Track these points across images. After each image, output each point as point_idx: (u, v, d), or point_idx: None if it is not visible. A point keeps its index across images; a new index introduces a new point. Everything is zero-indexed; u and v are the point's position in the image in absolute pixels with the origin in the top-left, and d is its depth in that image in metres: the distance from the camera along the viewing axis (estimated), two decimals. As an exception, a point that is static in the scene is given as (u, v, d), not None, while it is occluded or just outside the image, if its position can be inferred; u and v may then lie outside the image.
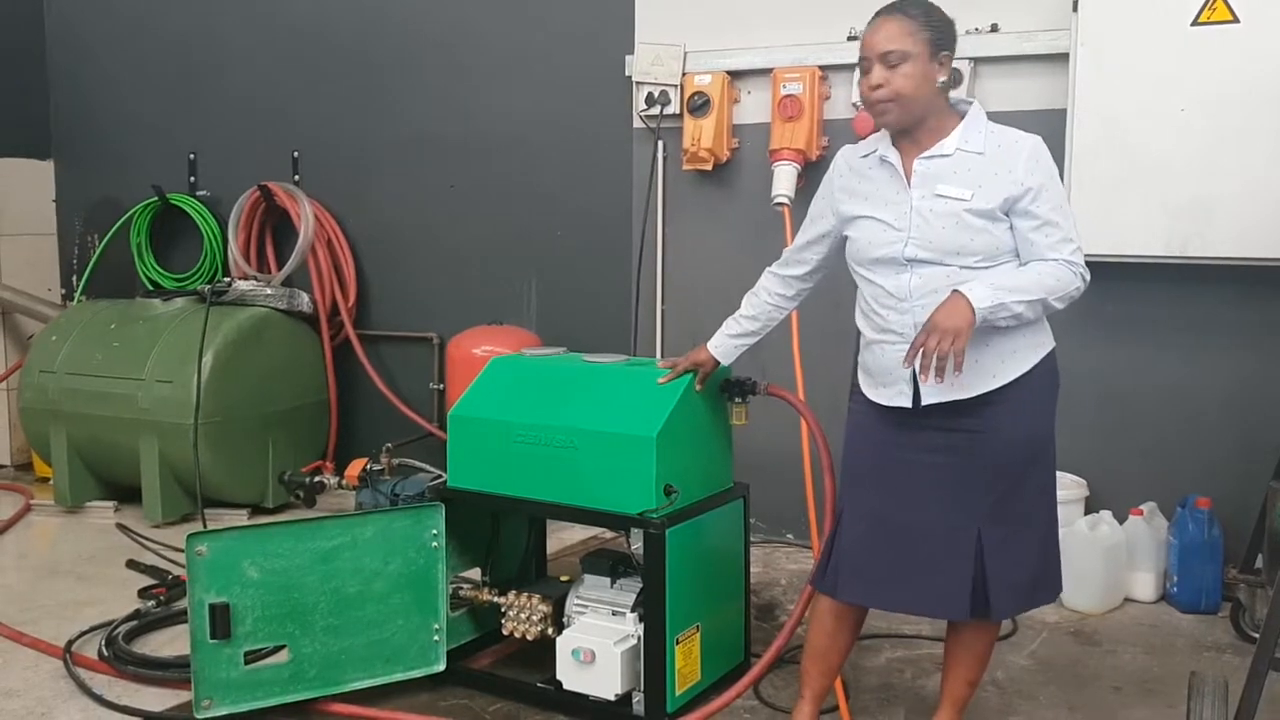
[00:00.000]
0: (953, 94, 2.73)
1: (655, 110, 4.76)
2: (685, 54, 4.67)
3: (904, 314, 2.64)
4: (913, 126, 2.64)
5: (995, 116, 4.19)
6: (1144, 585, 4.03)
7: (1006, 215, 2.59)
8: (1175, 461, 4.14)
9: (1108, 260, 4.06)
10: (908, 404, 2.66)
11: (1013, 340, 2.62)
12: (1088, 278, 2.63)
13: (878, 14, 2.65)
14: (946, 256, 2.59)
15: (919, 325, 2.58)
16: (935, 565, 2.69)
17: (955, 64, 4.26)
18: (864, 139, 2.82)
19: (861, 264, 2.72)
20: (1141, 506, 4.07)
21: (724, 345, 3.09)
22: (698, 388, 3.15)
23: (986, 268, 2.59)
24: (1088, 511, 4.12)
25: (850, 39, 4.41)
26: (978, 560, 2.66)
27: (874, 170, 2.72)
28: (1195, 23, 3.80)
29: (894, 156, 2.68)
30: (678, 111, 4.72)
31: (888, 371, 2.69)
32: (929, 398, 2.63)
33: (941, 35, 2.63)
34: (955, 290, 2.53)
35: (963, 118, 2.67)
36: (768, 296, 3.02)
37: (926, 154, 2.64)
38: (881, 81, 2.58)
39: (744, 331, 3.07)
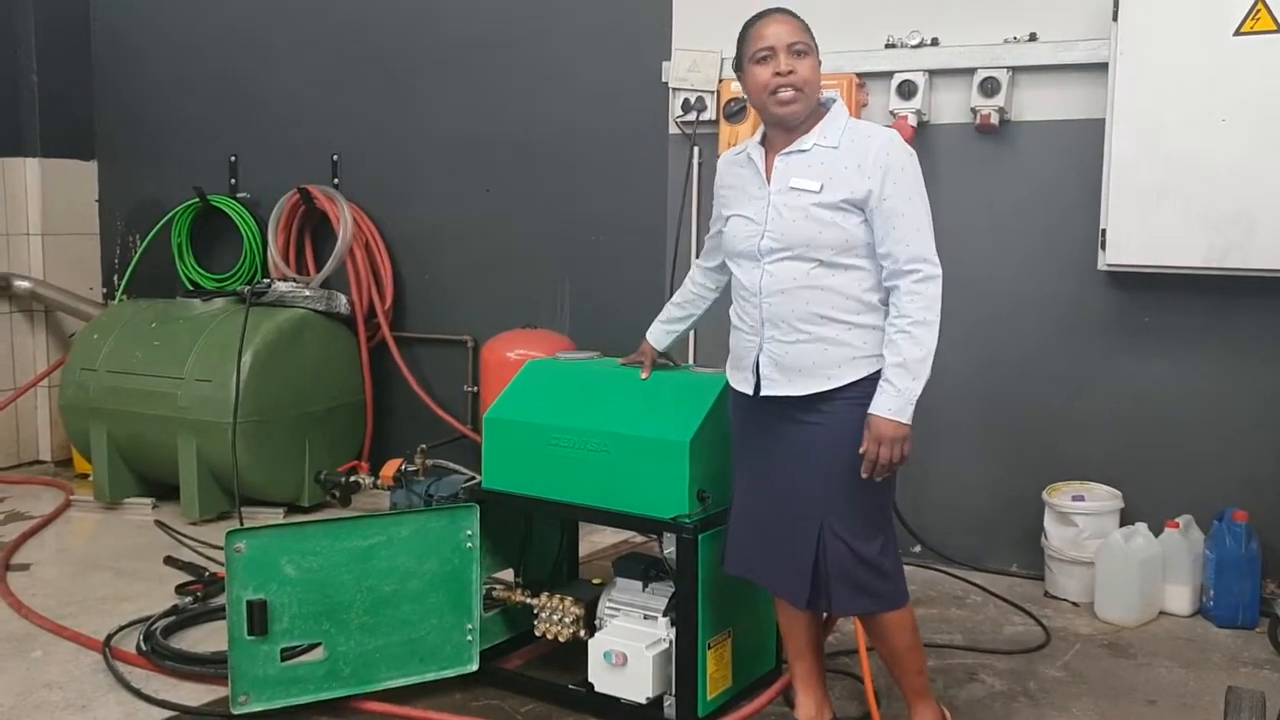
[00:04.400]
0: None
1: (691, 116, 4.78)
2: (722, 60, 4.69)
3: (754, 308, 2.78)
4: (802, 122, 2.74)
5: (1033, 126, 4.28)
6: (1179, 599, 4.00)
7: (860, 209, 2.67)
8: (1212, 474, 4.10)
9: (1146, 270, 4.05)
10: (750, 391, 2.81)
11: (851, 349, 2.71)
12: (936, 272, 2.68)
13: (767, 12, 2.77)
14: (799, 248, 2.70)
15: (765, 321, 2.74)
16: (782, 550, 2.83)
17: (991, 73, 4.31)
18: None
19: (730, 256, 2.87)
20: (1178, 519, 4.03)
21: (655, 331, 3.30)
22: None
23: (843, 264, 2.68)
24: (1123, 523, 4.09)
25: (888, 46, 4.42)
26: (819, 553, 2.76)
27: (743, 169, 2.86)
28: (1238, 32, 3.77)
29: (757, 154, 2.82)
30: (714, 117, 4.74)
31: (740, 357, 2.86)
32: (767, 390, 2.77)
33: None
34: (870, 415, 2.65)
35: (825, 115, 2.78)
36: (691, 285, 3.23)
37: (786, 150, 2.75)
38: (792, 67, 2.69)
39: (671, 318, 3.27)
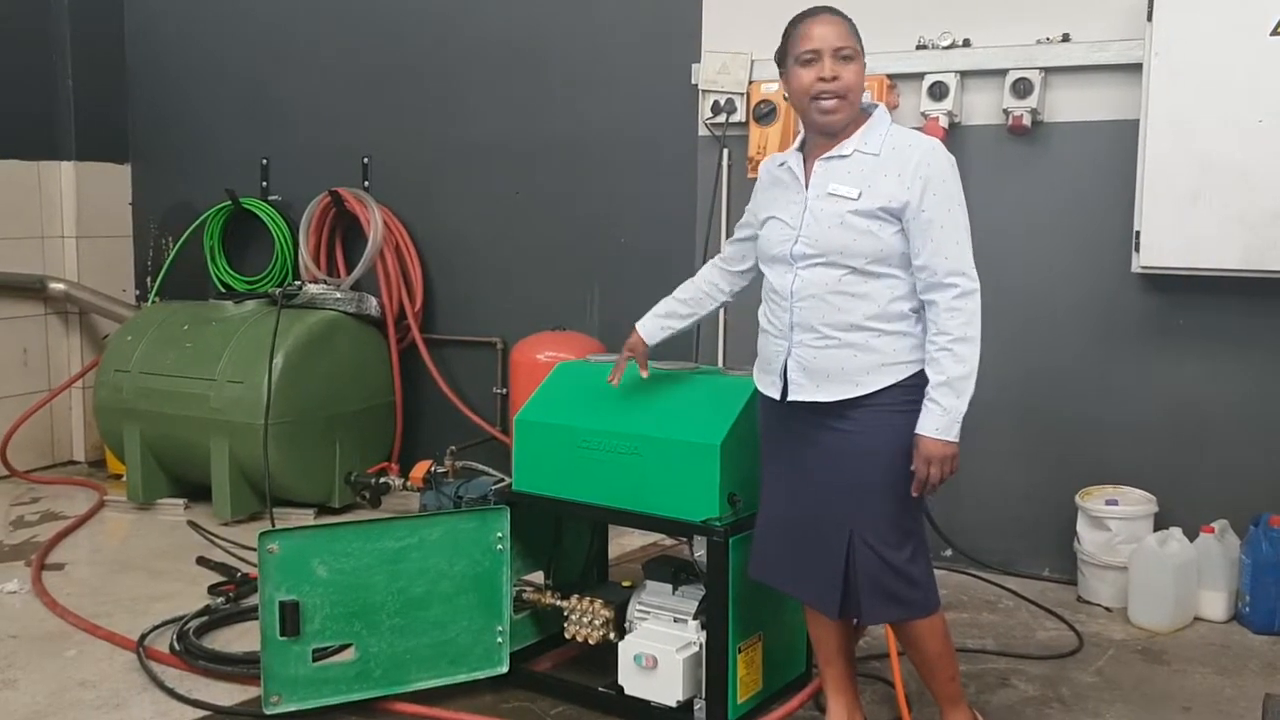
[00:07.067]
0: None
1: (721, 118, 4.77)
2: (752, 62, 4.68)
3: (784, 312, 2.76)
4: (844, 128, 2.72)
5: (1066, 127, 4.25)
6: (1215, 604, 3.95)
7: (896, 219, 2.64)
8: (1249, 479, 4.05)
9: (1180, 272, 4.01)
10: (776, 395, 2.79)
11: (880, 355, 2.68)
12: (975, 286, 2.65)
13: (814, 12, 2.73)
14: (832, 255, 2.68)
15: (795, 325, 2.73)
16: (812, 558, 2.81)
17: (1024, 74, 4.27)
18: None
19: (763, 260, 2.86)
20: (1213, 524, 3.99)
21: (649, 324, 3.20)
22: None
23: (876, 273, 2.66)
24: (1157, 527, 4.05)
25: (919, 47, 4.39)
26: (848, 561, 2.74)
27: (784, 175, 2.84)
28: (1274, 33, 3.72)
29: (795, 160, 2.80)
30: (743, 119, 4.73)
31: (767, 361, 2.84)
32: (794, 395, 2.75)
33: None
34: (917, 435, 2.64)
35: (867, 120, 2.75)
36: (703, 284, 3.16)
37: (826, 155, 2.73)
38: (837, 74, 2.65)
39: (671, 312, 3.18)
